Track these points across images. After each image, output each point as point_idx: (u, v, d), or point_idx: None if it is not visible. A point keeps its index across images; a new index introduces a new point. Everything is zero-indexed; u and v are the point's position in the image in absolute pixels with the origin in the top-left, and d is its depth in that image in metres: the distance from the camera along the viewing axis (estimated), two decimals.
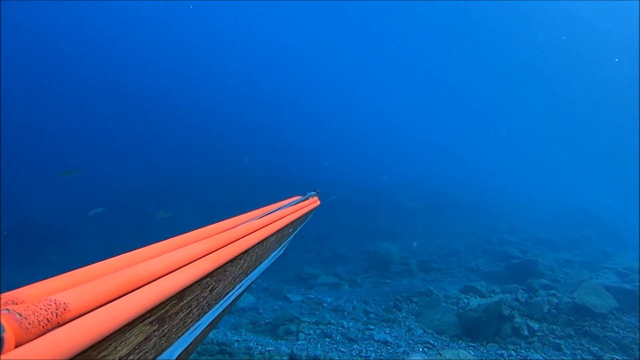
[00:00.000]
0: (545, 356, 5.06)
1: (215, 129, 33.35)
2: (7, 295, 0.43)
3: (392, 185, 23.34)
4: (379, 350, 5.23)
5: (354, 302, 7.74)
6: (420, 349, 5.24)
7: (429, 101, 51.29)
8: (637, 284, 6.66)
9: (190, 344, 0.69)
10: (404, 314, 6.82)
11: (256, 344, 5.33)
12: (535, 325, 5.79)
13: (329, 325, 6.18)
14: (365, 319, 6.65)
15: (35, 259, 11.17)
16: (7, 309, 0.38)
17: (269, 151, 29.65)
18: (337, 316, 6.85)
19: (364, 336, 5.73)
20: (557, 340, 5.44)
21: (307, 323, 6.24)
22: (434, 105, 51.71)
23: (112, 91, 32.30)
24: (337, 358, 4.95)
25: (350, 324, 6.27)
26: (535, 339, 5.53)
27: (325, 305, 7.57)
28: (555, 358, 5.00)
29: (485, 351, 5.25)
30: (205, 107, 36.92)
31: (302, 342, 5.52)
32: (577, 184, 40.05)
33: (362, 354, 5.13)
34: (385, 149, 45.46)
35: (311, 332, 5.90)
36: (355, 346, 5.38)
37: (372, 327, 6.09)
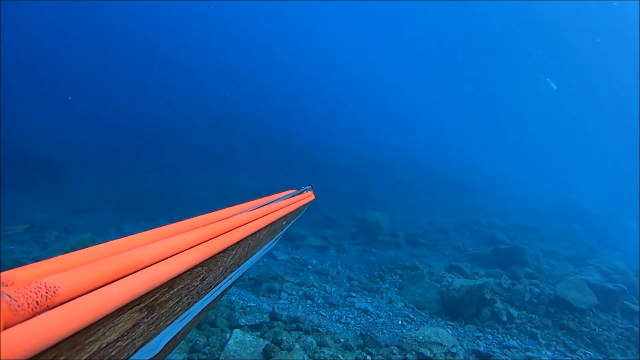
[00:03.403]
0: (520, 343, 5.14)
1: (220, 85, 33.64)
2: None
3: (388, 157, 23.24)
4: (358, 318, 5.26)
5: (339, 267, 7.78)
6: (400, 322, 5.29)
7: (435, 83, 51.97)
8: (619, 284, 6.73)
9: (179, 332, 0.69)
10: (387, 285, 6.86)
11: (238, 298, 5.32)
12: (515, 312, 5.86)
13: (311, 288, 6.20)
14: (348, 286, 6.68)
15: (28, 189, 11.17)
16: None
17: (274, 113, 29.81)
18: (321, 279, 6.87)
19: (346, 302, 5.76)
20: (534, 330, 5.52)
21: (290, 283, 6.26)
22: (438, 86, 52.45)
23: (116, 41, 31.99)
24: (316, 321, 4.97)
25: (333, 288, 6.30)
26: (513, 325, 5.60)
27: (310, 267, 7.59)
28: (530, 346, 5.07)
29: (462, 331, 5.31)
30: (215, 66, 37.20)
31: (283, 301, 5.54)
32: (574, 177, 40.37)
33: (342, 320, 5.16)
34: (388, 123, 46.20)
35: (293, 292, 5.91)
36: (335, 311, 5.41)
37: (354, 294, 6.11)
